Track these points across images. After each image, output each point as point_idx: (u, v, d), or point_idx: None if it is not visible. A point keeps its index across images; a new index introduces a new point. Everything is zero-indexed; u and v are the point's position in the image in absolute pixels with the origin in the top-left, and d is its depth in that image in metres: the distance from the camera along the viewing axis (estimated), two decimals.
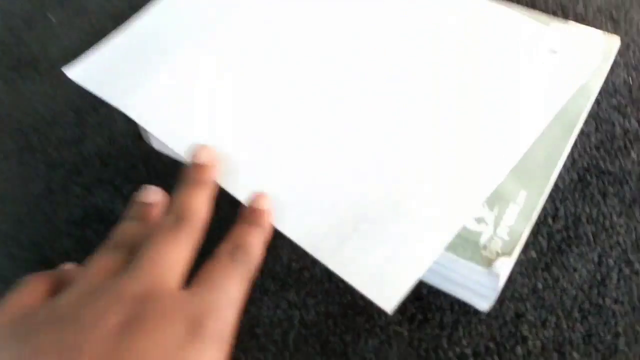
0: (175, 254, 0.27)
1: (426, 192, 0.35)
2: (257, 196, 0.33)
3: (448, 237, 0.33)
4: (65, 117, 0.46)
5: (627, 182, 0.39)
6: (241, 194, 0.35)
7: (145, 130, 0.42)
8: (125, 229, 0.30)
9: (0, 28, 0.53)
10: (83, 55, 0.43)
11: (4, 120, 0.47)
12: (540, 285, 0.36)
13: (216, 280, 0.27)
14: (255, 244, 0.30)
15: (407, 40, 0.43)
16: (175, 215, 0.29)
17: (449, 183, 0.35)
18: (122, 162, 0.43)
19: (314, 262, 0.37)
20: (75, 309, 0.25)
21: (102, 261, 0.28)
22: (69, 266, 0.31)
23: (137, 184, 0.42)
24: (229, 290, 0.27)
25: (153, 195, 0.32)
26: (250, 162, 0.37)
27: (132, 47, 0.44)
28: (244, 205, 0.33)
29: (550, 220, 0.38)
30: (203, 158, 0.33)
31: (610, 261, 0.36)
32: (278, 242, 0.33)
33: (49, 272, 0.29)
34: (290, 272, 0.37)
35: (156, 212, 0.32)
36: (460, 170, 0.36)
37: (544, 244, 0.37)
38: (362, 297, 0.35)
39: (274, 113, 0.39)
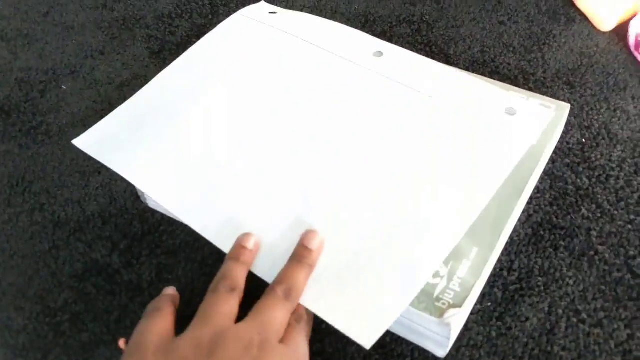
0: (282, 318, 0.35)
1: (392, 250, 0.38)
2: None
3: (420, 285, 0.37)
4: (72, 179, 0.51)
5: (577, 236, 0.42)
6: (226, 246, 0.40)
7: (142, 191, 0.47)
8: (234, 271, 0.38)
9: (17, 97, 0.59)
10: (90, 127, 0.48)
11: (17, 181, 0.52)
12: (494, 334, 0.39)
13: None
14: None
15: (372, 107, 0.47)
16: (285, 288, 0.36)
17: (413, 240, 0.39)
18: (120, 220, 0.48)
19: None
20: (213, 348, 0.33)
21: (226, 305, 0.36)
22: (170, 291, 0.40)
23: (132, 239, 0.46)
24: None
25: (251, 241, 0.39)
26: (237, 212, 0.42)
27: (131, 117, 0.49)
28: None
29: (505, 273, 0.41)
30: (313, 244, 0.38)
31: (560, 311, 0.39)
32: (259, 294, 0.37)
33: (169, 300, 0.38)
34: None
35: (252, 256, 0.39)
36: (423, 229, 0.39)
37: (499, 294, 0.40)
38: (331, 344, 0.39)
39: (265, 172, 0.44)
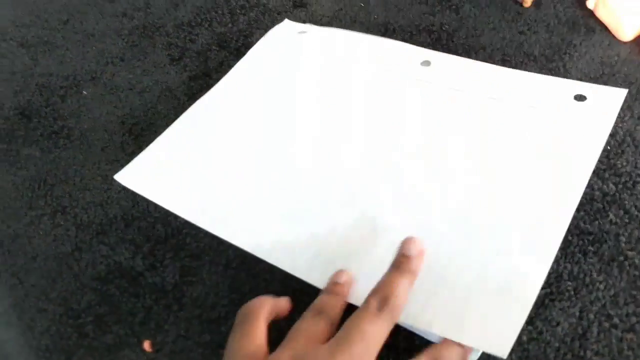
0: (375, 333, 0.32)
1: (498, 262, 0.38)
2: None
3: (539, 284, 0.36)
4: (94, 182, 0.51)
5: (605, 242, 0.42)
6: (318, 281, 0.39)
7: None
8: (325, 300, 0.36)
9: (39, 102, 0.59)
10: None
11: (39, 185, 0.51)
12: (525, 338, 0.38)
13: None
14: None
15: (439, 118, 0.47)
16: (380, 297, 0.33)
17: (518, 248, 0.38)
18: (143, 222, 0.48)
19: None
20: None
21: (311, 327, 0.34)
22: (284, 303, 0.37)
23: (156, 242, 0.46)
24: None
25: (344, 277, 0.37)
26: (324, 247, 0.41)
27: (171, 149, 0.49)
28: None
29: None
30: (413, 251, 0.36)
31: (591, 315, 0.39)
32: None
33: (261, 306, 0.35)
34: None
35: (346, 289, 0.37)
36: (525, 234, 0.39)
37: None
38: None
39: (348, 201, 0.43)
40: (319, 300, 0.36)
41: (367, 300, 0.33)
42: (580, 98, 0.46)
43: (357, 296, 0.36)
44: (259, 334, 0.34)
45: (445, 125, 0.46)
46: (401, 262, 0.35)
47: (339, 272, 0.38)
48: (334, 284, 0.37)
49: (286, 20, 0.61)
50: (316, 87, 0.52)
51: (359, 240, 0.40)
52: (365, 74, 0.52)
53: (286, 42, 0.57)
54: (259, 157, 0.47)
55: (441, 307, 0.36)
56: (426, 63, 0.51)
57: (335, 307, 0.36)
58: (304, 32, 0.58)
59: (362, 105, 0.49)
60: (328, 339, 0.32)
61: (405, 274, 0.35)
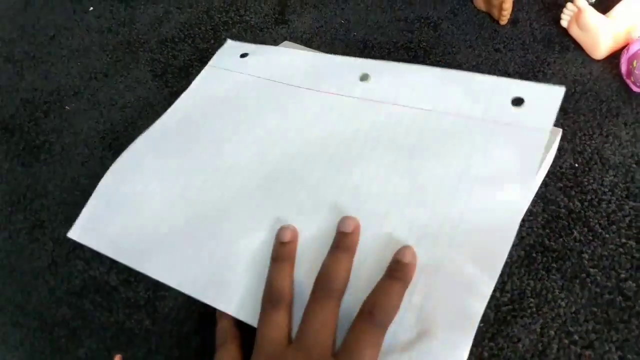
0: (329, 321, 0.35)
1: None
2: (403, 249, 0.37)
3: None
4: (73, 197, 0.52)
5: (569, 259, 0.43)
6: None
7: None
8: (277, 276, 0.38)
9: (21, 116, 0.60)
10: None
11: (19, 199, 0.52)
12: (486, 354, 0.39)
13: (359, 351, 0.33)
14: (396, 300, 0.35)
15: (375, 138, 0.46)
16: (323, 284, 0.36)
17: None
18: None
19: None
20: None
21: (270, 326, 0.36)
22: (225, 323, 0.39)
23: None
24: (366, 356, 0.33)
25: (289, 233, 0.40)
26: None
27: (110, 196, 0.48)
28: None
29: (497, 294, 0.42)
30: (348, 227, 0.39)
31: (552, 332, 0.40)
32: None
33: (230, 331, 0.39)
34: None
35: (294, 247, 0.39)
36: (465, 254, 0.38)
37: (491, 315, 0.41)
38: None
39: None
40: (273, 281, 0.38)
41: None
42: (518, 102, 0.44)
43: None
44: (234, 351, 0.37)
45: (378, 144, 0.45)
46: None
47: (282, 229, 0.40)
48: (281, 245, 0.39)
49: (229, 41, 0.60)
50: (252, 117, 0.51)
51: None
52: (298, 99, 0.51)
53: (226, 71, 0.56)
54: (191, 195, 0.46)
55: None
56: (365, 77, 0.50)
57: (288, 284, 0.37)
58: (246, 54, 0.57)
59: (292, 134, 0.48)
60: (290, 325, 0.36)
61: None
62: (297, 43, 0.61)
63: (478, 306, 0.35)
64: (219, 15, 0.69)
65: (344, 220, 0.39)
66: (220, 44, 0.65)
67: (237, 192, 0.45)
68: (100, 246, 0.44)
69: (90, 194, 0.52)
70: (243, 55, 0.57)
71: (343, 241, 0.38)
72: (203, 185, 0.46)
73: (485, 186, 0.41)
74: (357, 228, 0.39)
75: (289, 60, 0.55)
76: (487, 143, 0.43)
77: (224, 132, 0.50)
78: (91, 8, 0.73)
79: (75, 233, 0.46)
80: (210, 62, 0.58)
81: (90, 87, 0.63)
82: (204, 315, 0.43)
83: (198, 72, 0.62)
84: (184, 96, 0.55)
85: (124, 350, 0.42)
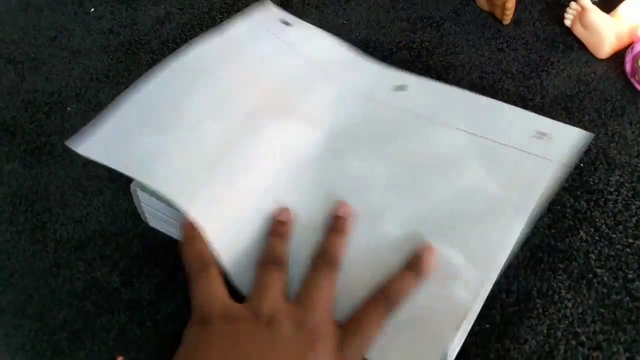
0: (329, 289, 0.38)
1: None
2: (428, 248, 0.40)
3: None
4: (74, 198, 0.52)
5: (575, 259, 0.42)
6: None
7: (143, 211, 0.47)
8: (275, 246, 0.41)
9: (23, 118, 0.60)
10: (87, 129, 0.47)
11: (20, 200, 0.52)
12: (492, 356, 0.39)
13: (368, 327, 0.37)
14: (407, 292, 0.38)
15: (400, 147, 0.48)
16: (324, 257, 0.40)
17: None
18: (121, 239, 0.48)
19: None
20: (270, 320, 0.36)
21: (273, 280, 0.39)
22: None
23: (133, 258, 0.47)
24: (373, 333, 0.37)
25: (285, 214, 0.43)
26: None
27: (134, 116, 0.48)
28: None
29: (503, 295, 0.41)
30: (344, 213, 0.42)
31: (559, 333, 0.39)
32: None
33: (209, 256, 0.40)
34: None
35: (289, 228, 0.42)
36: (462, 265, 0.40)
37: (497, 316, 0.40)
38: None
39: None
40: (268, 247, 0.41)
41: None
42: (540, 135, 0.47)
43: None
44: (218, 277, 0.39)
45: (406, 154, 0.47)
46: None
47: (280, 210, 0.43)
48: (278, 224, 0.42)
49: (272, 6, 0.60)
50: (286, 86, 0.51)
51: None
52: (333, 91, 0.52)
53: (267, 31, 0.56)
54: (217, 136, 0.46)
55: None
56: (401, 87, 0.52)
57: (286, 253, 0.41)
58: (288, 22, 0.58)
59: (326, 121, 0.50)
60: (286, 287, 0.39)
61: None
62: (302, 20, 0.60)
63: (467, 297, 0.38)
64: (221, 16, 0.69)
65: (340, 206, 0.43)
66: None
67: (253, 153, 0.46)
68: (109, 159, 0.44)
69: (92, 195, 0.51)
70: (284, 23, 0.57)
71: (340, 224, 0.42)
72: (227, 130, 0.46)
73: (484, 208, 0.43)
74: (350, 215, 0.43)
75: (330, 47, 0.56)
76: (500, 163, 0.45)
77: (254, 92, 0.50)
78: (92, 9, 0.73)
79: (75, 144, 0.45)
80: (248, 14, 0.57)
81: (92, 88, 0.62)
82: None
83: None
84: (220, 38, 0.54)
85: (126, 352, 0.42)
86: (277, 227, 0.42)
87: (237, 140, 0.46)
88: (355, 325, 0.37)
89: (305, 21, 0.66)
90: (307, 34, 0.58)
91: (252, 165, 0.45)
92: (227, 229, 0.42)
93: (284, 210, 0.43)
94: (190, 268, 0.40)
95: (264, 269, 0.39)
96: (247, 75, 0.52)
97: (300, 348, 0.35)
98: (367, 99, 0.51)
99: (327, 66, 0.54)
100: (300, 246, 0.42)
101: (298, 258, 0.41)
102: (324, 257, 0.40)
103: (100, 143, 0.46)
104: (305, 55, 0.55)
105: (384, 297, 0.38)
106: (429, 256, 0.39)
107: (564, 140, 0.46)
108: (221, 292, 0.38)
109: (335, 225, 0.42)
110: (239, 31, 0.56)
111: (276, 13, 0.60)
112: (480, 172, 0.44)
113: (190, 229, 0.41)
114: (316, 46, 0.56)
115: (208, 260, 0.40)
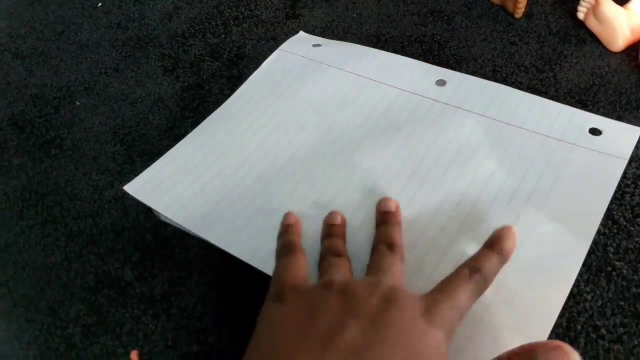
0: (464, 298, 0.34)
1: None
2: (507, 228, 0.38)
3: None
4: (85, 192, 0.51)
5: (593, 252, 0.42)
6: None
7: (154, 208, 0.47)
8: (333, 243, 0.40)
9: (31, 112, 0.59)
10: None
11: (30, 194, 0.52)
12: None
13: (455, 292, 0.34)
14: (493, 270, 0.36)
15: (450, 140, 0.47)
16: (471, 268, 0.35)
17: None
18: (132, 233, 0.48)
19: None
20: (342, 292, 0.34)
21: (338, 265, 0.38)
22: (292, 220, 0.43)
23: (145, 252, 0.46)
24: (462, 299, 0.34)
25: (338, 217, 0.43)
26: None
27: (181, 161, 0.49)
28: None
29: None
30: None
31: (578, 326, 0.39)
32: None
33: (296, 240, 0.41)
34: None
35: (343, 229, 0.42)
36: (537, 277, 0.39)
37: None
38: None
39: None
40: (327, 247, 0.40)
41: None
42: (595, 132, 0.46)
43: None
44: (301, 261, 0.39)
45: (460, 148, 0.47)
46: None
47: (332, 213, 0.42)
48: (331, 227, 0.42)
49: (301, 33, 0.62)
50: (328, 103, 0.52)
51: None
52: (378, 91, 0.52)
53: (299, 57, 0.57)
54: (268, 173, 0.47)
55: None
56: (441, 82, 0.52)
57: (343, 248, 0.40)
58: (319, 45, 0.59)
59: (374, 123, 0.50)
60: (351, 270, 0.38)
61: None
62: (331, 40, 0.60)
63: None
64: (229, 10, 0.68)
65: (384, 201, 0.42)
66: (231, 38, 0.65)
67: (289, 173, 0.47)
68: (155, 204, 0.46)
69: (102, 189, 0.51)
70: (315, 45, 0.59)
71: (389, 217, 0.41)
72: (260, 162, 0.48)
73: (554, 206, 0.42)
74: (397, 206, 0.42)
75: (362, 55, 0.56)
76: (563, 162, 0.44)
77: (290, 113, 0.52)
78: (100, 4, 0.73)
79: (133, 188, 0.47)
80: (281, 47, 0.59)
81: (101, 82, 0.62)
82: (220, 311, 0.42)
83: (209, 66, 0.61)
84: (252, 77, 0.56)
85: (140, 346, 0.41)
86: (330, 230, 0.42)
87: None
88: (439, 292, 0.34)
89: (315, 14, 0.65)
90: (337, 50, 0.58)
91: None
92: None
93: (333, 213, 0.43)
94: (278, 252, 0.40)
95: (326, 260, 0.39)
96: (284, 103, 0.53)
97: (381, 307, 0.32)
98: (411, 95, 0.51)
99: (364, 72, 0.54)
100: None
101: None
102: (386, 242, 0.39)
103: (149, 186, 0.48)
104: (339, 66, 0.55)
105: (469, 268, 0.35)
106: (509, 237, 0.37)
107: (618, 137, 0.46)
108: (301, 273, 0.38)
109: (384, 218, 0.41)
110: (272, 65, 0.58)
111: (306, 39, 0.61)
112: (536, 170, 0.44)
113: (288, 220, 0.42)
114: (349, 57, 0.56)
115: (296, 246, 0.40)
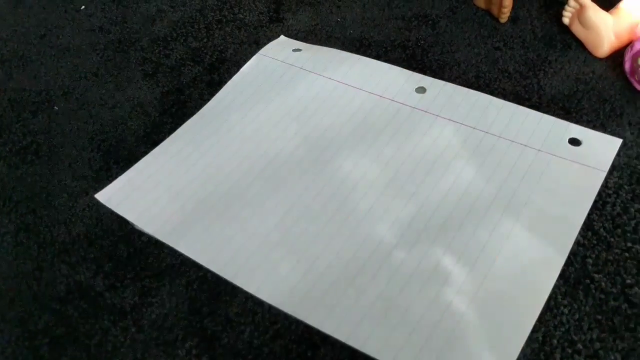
0: None
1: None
2: None
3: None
4: (59, 200, 0.50)
5: (571, 264, 0.41)
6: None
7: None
8: None
9: (9, 117, 0.58)
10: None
11: (4, 201, 0.51)
12: None
13: None
14: None
15: (427, 148, 0.47)
16: None
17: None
18: (106, 241, 0.47)
19: (274, 338, 0.39)
20: None
21: None
22: None
23: (117, 261, 0.45)
24: None
25: None
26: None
27: (153, 170, 0.49)
28: None
29: None
30: None
31: (554, 341, 0.38)
32: (242, 319, 0.36)
33: None
34: (251, 347, 0.40)
35: None
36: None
37: None
38: None
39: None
40: None
41: None
42: (575, 142, 0.46)
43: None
44: None
45: (438, 157, 0.46)
46: None
47: None
48: None
49: (282, 37, 0.61)
50: (307, 109, 0.51)
51: (354, 269, 0.40)
52: (357, 98, 0.51)
53: (278, 62, 0.56)
54: (245, 182, 0.46)
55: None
56: (421, 90, 0.51)
57: None
58: (299, 49, 0.58)
59: (353, 130, 0.49)
60: None
61: None
62: (311, 44, 0.60)
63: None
64: (213, 14, 0.68)
65: None
66: (213, 42, 0.64)
67: (264, 180, 0.46)
68: (127, 213, 0.46)
69: (77, 196, 0.50)
70: (295, 50, 0.58)
71: None
72: (235, 170, 0.47)
73: (531, 217, 0.42)
74: None
75: (342, 61, 0.56)
76: (541, 173, 0.44)
77: (269, 120, 0.51)
78: (83, 7, 0.72)
79: (105, 196, 0.47)
80: (261, 52, 0.58)
81: (80, 87, 0.61)
82: (191, 322, 0.41)
83: (190, 71, 0.61)
84: (230, 82, 0.56)
85: (108, 359, 0.40)
86: None
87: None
88: None
89: (299, 18, 0.65)
90: (317, 55, 0.57)
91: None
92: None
93: None
94: None
95: None
96: (263, 108, 0.52)
97: None
98: (391, 102, 0.51)
99: (343, 78, 0.54)
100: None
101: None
102: None
103: (121, 194, 0.47)
104: (319, 72, 0.55)
105: None
106: None
107: (598, 148, 0.45)
108: None
109: None
110: (252, 70, 0.57)
111: (286, 44, 0.60)
112: (514, 180, 0.43)
113: None
114: (329, 62, 0.56)
115: None
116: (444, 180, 0.44)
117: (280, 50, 0.58)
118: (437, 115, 0.49)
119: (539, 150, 0.45)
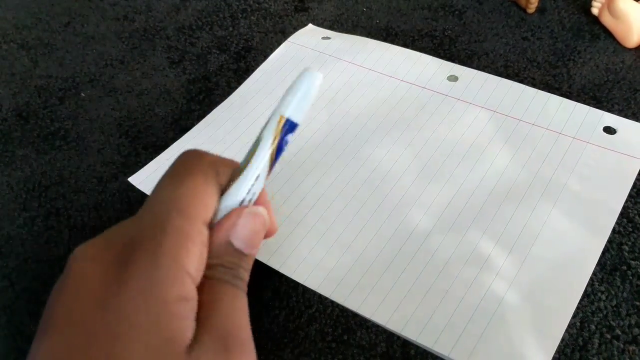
0: None
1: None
2: None
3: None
4: (89, 185, 0.50)
5: (608, 251, 0.41)
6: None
7: None
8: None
9: (36, 103, 0.59)
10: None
11: (34, 186, 0.51)
12: None
13: None
14: None
15: (463, 136, 0.47)
16: None
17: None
18: None
19: (309, 323, 0.39)
20: None
21: None
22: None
23: None
24: None
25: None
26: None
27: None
28: None
29: None
30: None
31: (592, 327, 0.38)
32: (276, 303, 0.36)
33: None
34: (286, 331, 0.40)
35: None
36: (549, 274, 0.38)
37: None
38: (353, 356, 0.37)
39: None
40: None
41: None
42: (609, 130, 0.45)
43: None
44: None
45: (473, 143, 0.46)
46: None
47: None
48: None
49: (310, 25, 0.61)
50: (338, 96, 0.51)
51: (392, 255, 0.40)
52: (389, 85, 0.51)
53: (308, 49, 0.56)
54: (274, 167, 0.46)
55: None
56: (453, 78, 0.51)
57: None
58: (328, 37, 0.58)
59: (384, 117, 0.49)
60: None
61: None
62: (340, 33, 0.59)
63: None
64: (237, 3, 0.68)
65: None
66: (238, 31, 0.64)
67: (296, 166, 0.46)
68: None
69: (107, 181, 0.50)
70: (325, 38, 0.58)
71: None
72: None
73: (569, 203, 0.41)
74: None
75: (373, 48, 0.55)
76: (578, 159, 0.44)
77: (313, 116, 0.50)
78: None
79: (137, 179, 0.47)
80: (290, 39, 0.58)
81: (106, 74, 0.61)
82: None
83: (216, 59, 0.61)
84: (260, 69, 0.56)
85: None
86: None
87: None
88: None
89: (324, 7, 0.64)
90: (347, 43, 0.57)
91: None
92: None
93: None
94: None
95: None
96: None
97: None
98: (422, 89, 0.51)
99: (374, 65, 0.54)
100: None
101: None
102: None
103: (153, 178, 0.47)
104: (349, 59, 0.55)
105: None
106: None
107: (633, 136, 0.45)
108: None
109: None
110: (280, 57, 0.57)
111: (315, 31, 0.60)
112: (549, 166, 0.43)
113: None
114: (358, 50, 0.56)
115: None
116: (479, 165, 0.44)
117: (309, 38, 0.58)
118: (470, 103, 0.48)
119: (574, 137, 0.45)
